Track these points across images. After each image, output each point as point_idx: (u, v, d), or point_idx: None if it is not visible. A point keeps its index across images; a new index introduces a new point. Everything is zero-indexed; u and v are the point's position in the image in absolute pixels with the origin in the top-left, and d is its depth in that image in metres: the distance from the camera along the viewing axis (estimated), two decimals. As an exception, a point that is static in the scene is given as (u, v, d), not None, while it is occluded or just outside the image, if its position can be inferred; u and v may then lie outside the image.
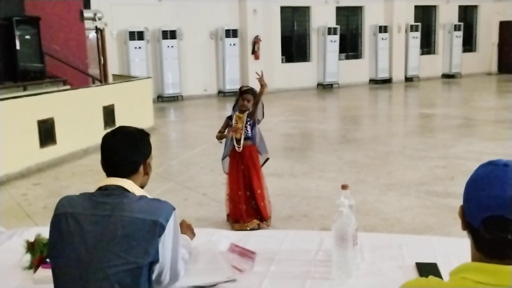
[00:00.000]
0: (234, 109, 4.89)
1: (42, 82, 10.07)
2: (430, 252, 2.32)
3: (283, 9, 17.63)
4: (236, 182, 4.88)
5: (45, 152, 7.78)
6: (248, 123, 4.78)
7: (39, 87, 9.61)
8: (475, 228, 1.23)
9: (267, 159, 5.09)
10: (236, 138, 4.80)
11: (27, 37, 10.26)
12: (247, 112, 4.77)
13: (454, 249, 2.30)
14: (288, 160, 7.78)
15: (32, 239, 2.33)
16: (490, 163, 1.27)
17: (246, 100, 4.74)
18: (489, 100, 15.02)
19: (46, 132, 7.83)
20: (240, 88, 4.94)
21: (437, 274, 2.08)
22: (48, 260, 2.15)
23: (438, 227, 4.95)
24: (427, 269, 2.13)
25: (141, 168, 1.98)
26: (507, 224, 1.17)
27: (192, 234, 2.41)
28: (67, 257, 1.81)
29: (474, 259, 1.27)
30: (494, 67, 22.14)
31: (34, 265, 2.25)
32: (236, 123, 4.77)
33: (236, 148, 4.79)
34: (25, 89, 9.34)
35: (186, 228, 2.40)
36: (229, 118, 4.88)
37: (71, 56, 11.46)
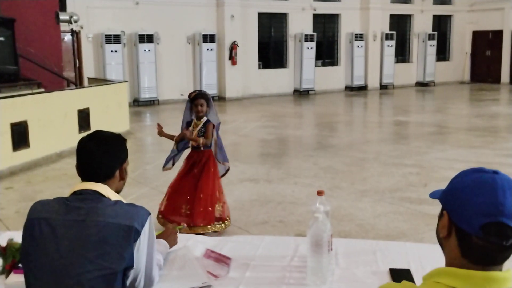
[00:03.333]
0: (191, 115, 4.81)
1: (16, 84, 9.91)
2: (404, 258, 2.36)
3: (261, 15, 17.70)
4: (180, 184, 4.87)
5: (18, 155, 7.66)
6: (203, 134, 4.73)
7: (13, 90, 9.45)
8: (467, 234, 1.23)
9: (228, 168, 5.05)
10: (192, 146, 4.80)
11: (1, 39, 10.10)
12: (205, 120, 4.71)
13: (427, 255, 2.34)
14: (264, 166, 7.79)
15: (4, 244, 2.30)
16: (478, 170, 1.29)
17: (200, 105, 4.65)
18: (462, 108, 15.29)
19: (19, 135, 7.71)
20: (189, 96, 4.78)
21: (410, 280, 2.11)
22: (20, 265, 2.12)
23: (411, 233, 5.00)
24: (400, 275, 2.15)
25: (117, 173, 1.97)
26: (505, 231, 1.19)
27: (174, 242, 2.40)
28: (40, 263, 1.79)
29: (451, 264, 1.29)
30: (467, 76, 22.53)
31: (6, 270, 2.22)
32: (193, 130, 4.74)
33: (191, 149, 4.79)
34: (-2, 92, 9.19)
35: (170, 234, 2.39)
36: (189, 123, 4.80)
37: (46, 58, 11.32)
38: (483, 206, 1.21)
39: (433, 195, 1.41)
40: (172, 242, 2.38)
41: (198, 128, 4.72)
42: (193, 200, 4.76)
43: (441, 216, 1.33)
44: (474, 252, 1.24)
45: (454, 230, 1.28)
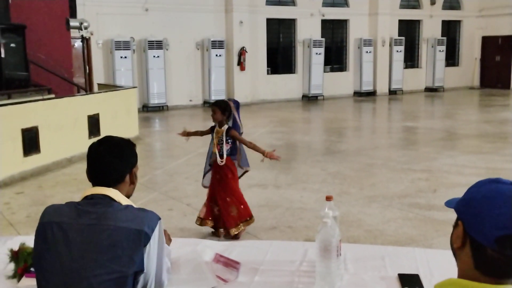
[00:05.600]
0: None
1: (26, 90, 10.02)
2: (412, 264, 2.35)
3: (269, 21, 17.74)
4: (212, 190, 5.02)
5: (28, 160, 7.72)
6: (228, 140, 4.85)
7: (24, 96, 9.56)
8: (481, 246, 1.22)
9: (246, 171, 5.18)
10: (212, 152, 4.92)
11: (13, 45, 10.22)
12: (226, 128, 4.81)
13: (436, 261, 2.34)
14: (273, 171, 7.79)
15: (16, 248, 2.33)
16: (496, 181, 1.28)
17: (212, 112, 4.81)
18: (471, 114, 15.22)
19: (30, 141, 7.77)
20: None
21: (419, 285, 2.10)
22: (32, 269, 2.15)
23: (420, 239, 4.99)
24: (409, 281, 2.15)
25: (127, 178, 2.00)
26: None
27: (168, 241, 2.41)
28: (51, 266, 1.81)
29: (464, 275, 1.28)
30: (476, 82, 22.45)
31: (18, 274, 2.24)
32: (216, 137, 4.88)
33: (219, 162, 4.86)
34: (9, 97, 9.28)
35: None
36: (212, 128, 4.94)
37: (57, 64, 11.43)
38: (499, 218, 1.19)
39: (449, 204, 1.39)
40: (167, 240, 2.40)
41: (220, 135, 4.84)
42: (223, 204, 4.93)
43: (456, 226, 1.31)
44: (488, 265, 1.22)
45: (468, 241, 1.26)
